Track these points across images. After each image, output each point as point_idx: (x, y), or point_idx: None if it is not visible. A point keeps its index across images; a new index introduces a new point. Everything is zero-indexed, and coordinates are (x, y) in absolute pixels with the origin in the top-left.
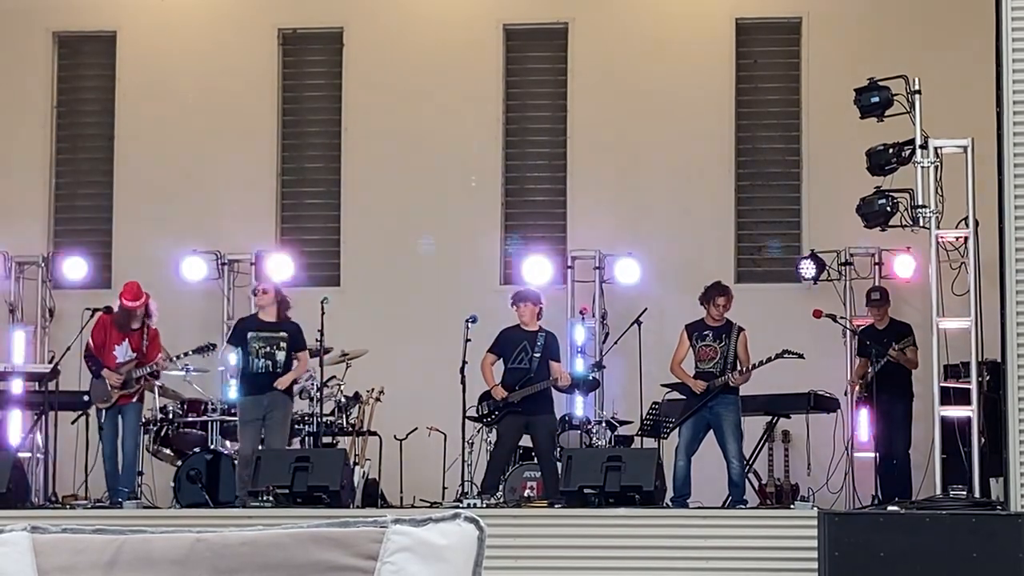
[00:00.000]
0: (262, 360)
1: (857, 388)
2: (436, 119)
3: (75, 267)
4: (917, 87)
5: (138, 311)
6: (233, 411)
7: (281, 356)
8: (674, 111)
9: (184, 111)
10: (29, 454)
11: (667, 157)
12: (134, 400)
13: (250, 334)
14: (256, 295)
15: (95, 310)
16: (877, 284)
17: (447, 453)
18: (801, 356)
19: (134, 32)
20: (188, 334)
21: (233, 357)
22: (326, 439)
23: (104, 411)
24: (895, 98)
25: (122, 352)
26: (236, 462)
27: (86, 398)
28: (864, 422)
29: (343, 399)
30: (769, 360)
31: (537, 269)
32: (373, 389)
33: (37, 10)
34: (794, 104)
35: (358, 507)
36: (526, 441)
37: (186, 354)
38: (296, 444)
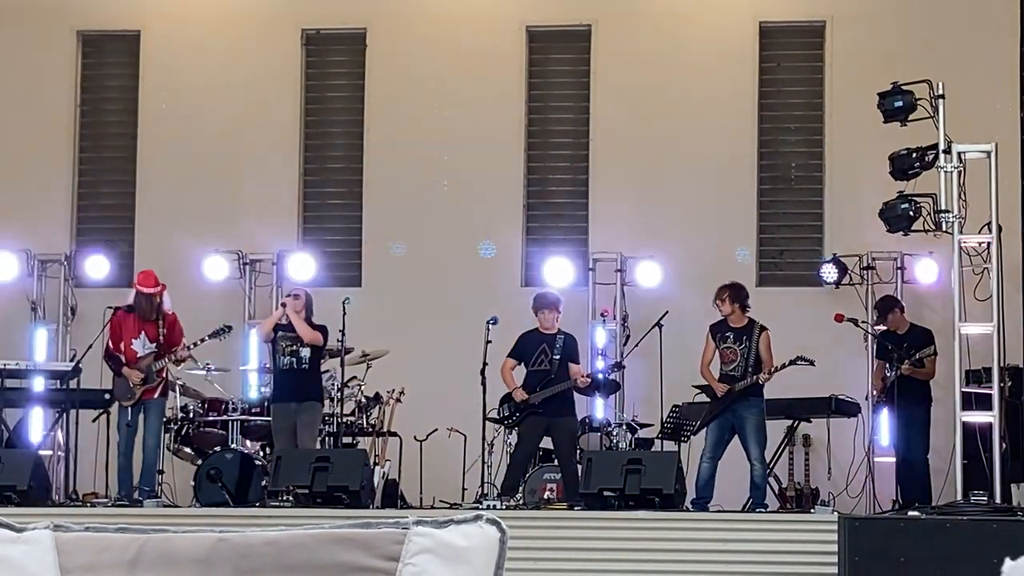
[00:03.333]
0: (287, 357)
1: (876, 392)
2: (458, 120)
3: (97, 265)
4: (941, 91)
5: (156, 298)
6: (254, 411)
7: (305, 353)
8: (697, 114)
9: (207, 111)
10: (50, 452)
11: (689, 160)
12: (157, 395)
13: (279, 333)
14: (288, 301)
15: (116, 309)
16: (888, 293)
17: (467, 454)
18: (812, 363)
19: (158, 32)
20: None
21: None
22: (346, 439)
23: (128, 408)
24: (919, 102)
25: (140, 345)
26: (266, 463)
27: (107, 396)
28: (884, 426)
29: (363, 399)
30: (783, 366)
31: (558, 271)
32: (393, 390)
33: (61, 9)
34: (817, 108)
35: (378, 508)
36: (546, 443)
37: (203, 340)
38: (316, 444)
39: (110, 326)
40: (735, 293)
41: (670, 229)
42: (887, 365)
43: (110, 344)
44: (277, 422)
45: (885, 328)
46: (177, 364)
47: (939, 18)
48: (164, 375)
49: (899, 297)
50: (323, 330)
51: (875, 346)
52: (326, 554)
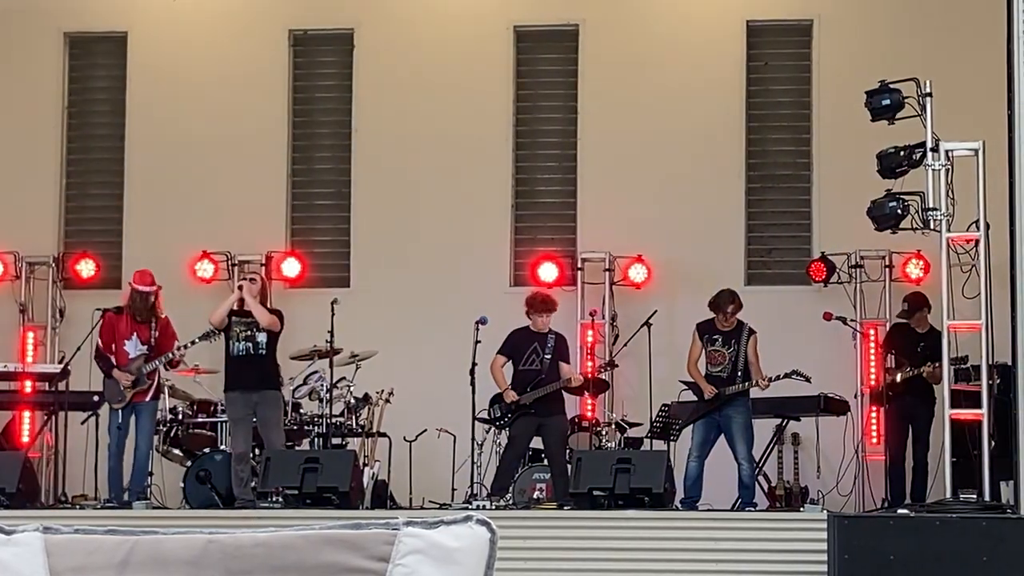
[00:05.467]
0: (242, 343)
1: (882, 387)
2: (446, 120)
3: (85, 267)
4: (928, 90)
5: (152, 296)
6: None
7: (262, 338)
8: (684, 113)
9: (195, 112)
10: (39, 454)
11: (677, 159)
12: (148, 398)
13: (233, 318)
14: (245, 284)
15: (105, 310)
16: (911, 292)
17: (456, 454)
18: (808, 380)
19: (145, 33)
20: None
21: None
22: (336, 440)
23: (119, 411)
24: (906, 101)
25: (132, 347)
26: (256, 464)
27: (96, 398)
28: (874, 425)
29: (353, 400)
30: (778, 378)
31: (547, 271)
32: (383, 390)
33: (48, 11)
34: (805, 106)
35: (367, 508)
36: (535, 443)
37: (193, 342)
38: (306, 445)
39: (101, 327)
40: (740, 303)
41: (658, 228)
42: (888, 357)
43: (100, 345)
44: (234, 411)
45: (906, 323)
46: (169, 368)
47: (926, 16)
48: (155, 378)
49: (887, 295)
50: (279, 314)
51: (884, 336)
52: (316, 555)
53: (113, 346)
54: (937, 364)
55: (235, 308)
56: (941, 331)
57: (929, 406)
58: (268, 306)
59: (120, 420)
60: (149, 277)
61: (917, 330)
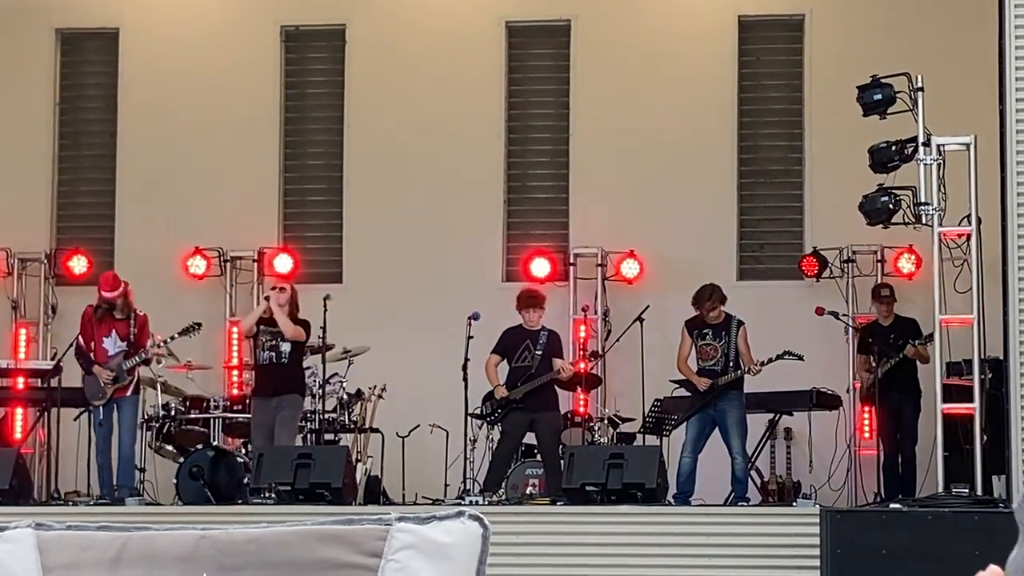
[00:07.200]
0: (267, 352)
1: (859, 385)
2: (438, 116)
3: (78, 264)
4: (920, 84)
5: (118, 300)
6: (235, 408)
7: (286, 348)
8: (676, 108)
9: (186, 108)
10: (32, 451)
11: (669, 154)
12: (129, 393)
13: (260, 327)
14: (273, 294)
15: (89, 307)
16: (881, 281)
17: (449, 450)
18: (801, 358)
19: (137, 29)
20: None
21: None
22: (328, 436)
23: (100, 407)
24: (898, 95)
25: (111, 344)
26: (248, 460)
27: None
28: (867, 419)
29: (345, 396)
30: (770, 360)
31: (539, 266)
32: (375, 386)
33: (40, 7)
34: (797, 101)
35: (360, 504)
36: (528, 438)
37: (172, 338)
38: (298, 441)
39: (82, 324)
40: (720, 296)
41: (650, 224)
42: (871, 359)
43: (81, 341)
44: (256, 417)
45: (874, 319)
46: (143, 364)
47: (917, 10)
48: (135, 373)
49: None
50: (306, 325)
51: (857, 340)
52: (309, 551)
53: (92, 343)
54: (918, 342)
55: (263, 317)
56: (908, 318)
57: (915, 400)
58: (297, 316)
59: (102, 416)
60: (112, 281)
61: (882, 323)
